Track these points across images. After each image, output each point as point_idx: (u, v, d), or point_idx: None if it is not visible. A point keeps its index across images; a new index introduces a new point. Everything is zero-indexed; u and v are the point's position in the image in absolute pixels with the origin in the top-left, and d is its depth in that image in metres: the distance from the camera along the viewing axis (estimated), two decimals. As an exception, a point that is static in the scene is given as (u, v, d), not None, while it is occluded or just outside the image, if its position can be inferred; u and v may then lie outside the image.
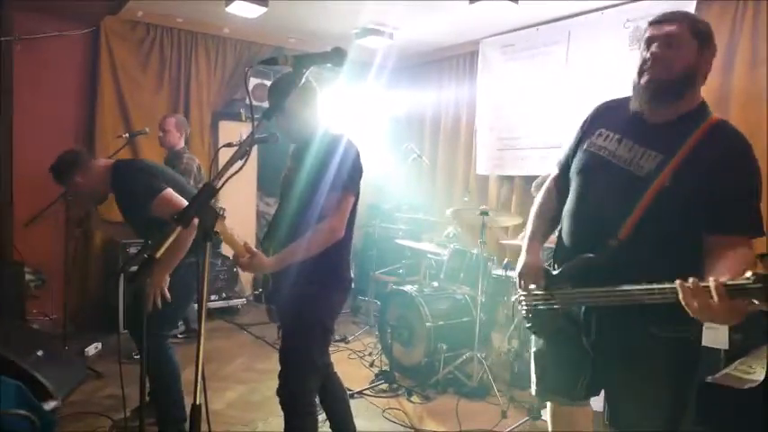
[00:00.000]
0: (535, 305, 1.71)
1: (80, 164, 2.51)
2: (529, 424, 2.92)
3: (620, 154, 1.56)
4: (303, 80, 1.35)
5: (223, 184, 1.22)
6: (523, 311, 1.77)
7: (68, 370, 3.29)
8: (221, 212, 1.60)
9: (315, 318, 2.08)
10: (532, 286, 1.72)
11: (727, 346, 2.44)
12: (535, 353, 1.84)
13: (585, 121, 1.74)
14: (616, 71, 3.97)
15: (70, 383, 3.16)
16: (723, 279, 1.18)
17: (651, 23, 1.53)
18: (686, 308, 1.24)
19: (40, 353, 3.09)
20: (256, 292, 2.23)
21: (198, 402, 1.22)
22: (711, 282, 1.18)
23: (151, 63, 4.84)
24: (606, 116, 1.69)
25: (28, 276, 3.91)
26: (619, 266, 1.45)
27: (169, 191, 2.39)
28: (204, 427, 1.29)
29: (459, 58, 5.47)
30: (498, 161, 5.04)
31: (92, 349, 3.90)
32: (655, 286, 1.33)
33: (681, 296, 1.24)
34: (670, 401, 1.54)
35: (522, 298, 1.76)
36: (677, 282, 1.25)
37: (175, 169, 3.82)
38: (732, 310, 1.18)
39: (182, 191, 2.48)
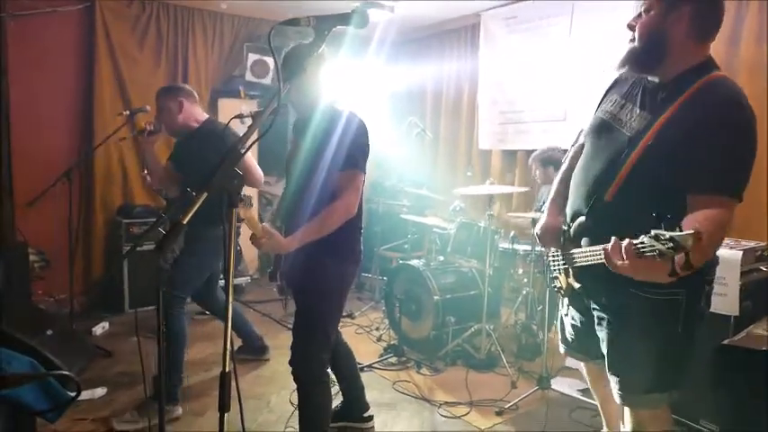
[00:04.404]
0: (557, 267, 1.81)
1: (184, 97, 2.84)
2: (539, 393, 2.95)
3: (620, 117, 1.61)
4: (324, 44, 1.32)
5: (247, 149, 1.20)
6: (551, 273, 1.86)
7: (78, 349, 3.31)
8: (248, 201, 1.62)
9: (329, 289, 2.10)
10: (553, 250, 1.80)
11: (737, 313, 2.45)
12: (561, 313, 1.96)
13: (607, 89, 1.77)
14: (621, 43, 3.91)
15: (80, 362, 3.18)
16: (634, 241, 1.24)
17: None
18: (608, 266, 1.32)
19: (49, 332, 3.10)
20: (269, 270, 2.25)
21: (227, 370, 1.22)
22: (624, 243, 1.26)
23: (148, 40, 4.76)
24: (620, 82, 1.72)
25: (32, 257, 3.89)
26: (604, 227, 1.47)
27: (250, 156, 2.65)
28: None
29: (460, 32, 5.39)
30: (501, 135, 5.01)
31: (99, 329, 3.92)
32: (595, 247, 1.46)
33: (603, 256, 1.33)
34: (650, 358, 1.57)
35: (550, 260, 1.85)
36: (605, 245, 1.33)
37: None
38: (639, 268, 1.26)
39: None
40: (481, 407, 2.89)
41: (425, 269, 3.63)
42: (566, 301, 1.90)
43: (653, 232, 1.18)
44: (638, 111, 1.56)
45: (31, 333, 3.00)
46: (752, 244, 2.67)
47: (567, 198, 1.78)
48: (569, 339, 1.94)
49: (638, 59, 1.55)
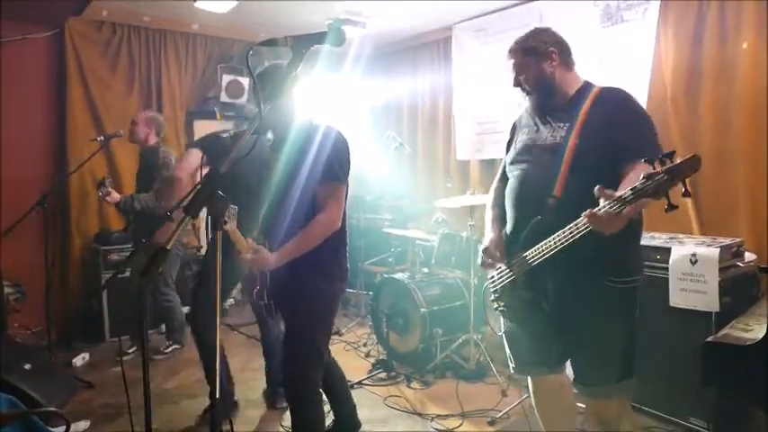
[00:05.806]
0: (501, 285, 1.94)
1: None
2: (529, 401, 2.94)
3: (541, 137, 1.89)
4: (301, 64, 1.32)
5: (228, 171, 1.19)
6: (492, 295, 2.00)
7: (58, 382, 3.21)
8: (233, 211, 1.59)
9: (320, 308, 2.09)
10: (495, 271, 1.96)
11: (717, 309, 2.50)
12: (506, 332, 2.05)
13: (511, 130, 2.09)
14: (588, 49, 3.99)
15: (61, 395, 3.09)
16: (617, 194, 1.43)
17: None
18: (592, 225, 1.51)
19: (27, 366, 3.01)
20: (255, 289, 2.20)
21: (218, 396, 1.19)
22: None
23: (120, 64, 4.70)
24: (523, 119, 2.02)
25: (7, 290, 3.78)
26: (561, 219, 1.68)
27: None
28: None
29: (433, 45, 5.45)
30: (478, 145, 5.05)
31: (79, 360, 3.82)
32: (572, 224, 1.61)
33: (586, 220, 1.52)
34: (621, 345, 1.78)
35: (491, 281, 2.00)
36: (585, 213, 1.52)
37: (153, 164, 3.75)
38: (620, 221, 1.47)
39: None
40: (473, 418, 2.89)
41: (411, 282, 3.63)
42: (506, 321, 2.01)
43: (643, 174, 1.34)
44: (554, 124, 1.86)
45: (9, 368, 2.91)
46: (728, 241, 2.74)
47: (503, 220, 2.00)
48: (525, 356, 2.00)
49: (541, 105, 1.91)
